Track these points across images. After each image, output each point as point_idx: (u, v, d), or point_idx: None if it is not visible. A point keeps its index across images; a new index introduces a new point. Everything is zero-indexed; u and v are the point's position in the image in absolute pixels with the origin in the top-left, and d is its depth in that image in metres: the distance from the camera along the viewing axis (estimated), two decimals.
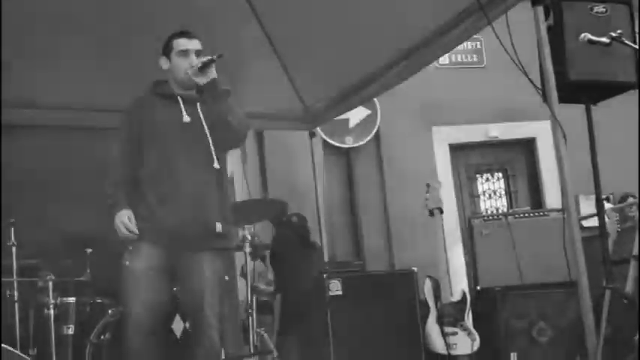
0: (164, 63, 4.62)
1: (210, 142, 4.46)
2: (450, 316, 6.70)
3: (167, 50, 4.60)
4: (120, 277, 4.55)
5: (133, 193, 4.55)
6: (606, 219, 4.89)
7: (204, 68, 4.36)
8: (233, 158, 7.66)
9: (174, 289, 4.75)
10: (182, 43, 4.54)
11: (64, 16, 5.35)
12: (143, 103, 4.65)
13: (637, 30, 4.81)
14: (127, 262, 4.46)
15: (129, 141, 4.61)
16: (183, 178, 4.42)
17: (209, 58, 4.36)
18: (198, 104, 4.53)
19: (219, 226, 4.43)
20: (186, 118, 4.46)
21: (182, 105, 4.50)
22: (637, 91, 4.85)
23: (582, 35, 4.52)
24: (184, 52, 4.52)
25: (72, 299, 5.86)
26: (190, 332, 4.52)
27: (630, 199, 7.56)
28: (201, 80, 4.38)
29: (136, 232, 4.40)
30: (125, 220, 4.40)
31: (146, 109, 4.59)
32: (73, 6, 5.28)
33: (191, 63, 4.45)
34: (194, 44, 4.54)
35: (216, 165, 4.47)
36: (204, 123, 4.48)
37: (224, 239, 4.57)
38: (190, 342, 4.54)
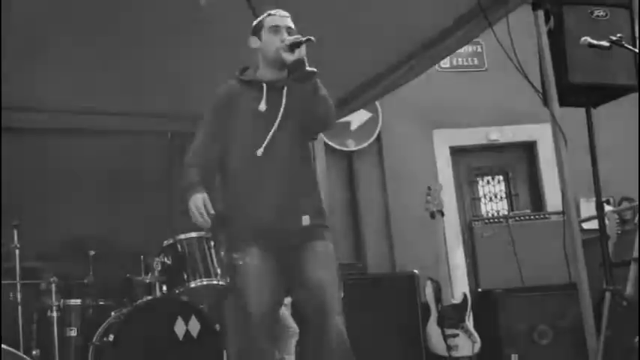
0: (254, 42, 4.39)
1: (290, 130, 4.24)
2: (451, 318, 6.73)
3: (257, 29, 4.39)
4: (233, 276, 4.33)
5: (210, 180, 4.31)
6: (606, 221, 4.91)
7: (293, 47, 4.12)
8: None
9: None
10: (274, 20, 4.33)
11: (67, 20, 5.36)
12: (230, 91, 4.40)
13: (637, 33, 4.84)
14: (240, 262, 4.19)
15: (210, 128, 4.36)
16: (264, 172, 4.18)
17: (302, 38, 4.12)
18: (284, 90, 4.32)
19: (305, 219, 4.20)
20: (262, 107, 4.25)
21: (265, 92, 4.28)
22: (637, 94, 4.87)
23: (582, 39, 4.53)
24: (276, 29, 4.30)
25: (75, 301, 5.89)
26: (313, 324, 4.26)
27: (625, 204, 7.57)
28: (289, 58, 4.14)
29: (208, 219, 4.11)
30: (200, 203, 4.10)
31: (232, 98, 4.36)
32: (76, 9, 5.29)
33: (282, 39, 4.22)
34: (286, 21, 4.34)
35: (302, 152, 4.29)
36: (281, 110, 4.25)
37: (318, 228, 4.28)
38: (313, 330, 4.30)
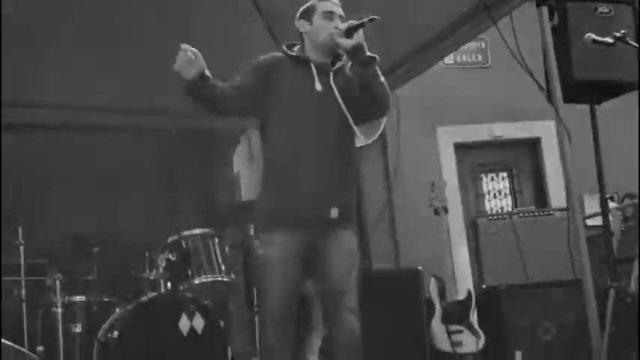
0: (303, 26, 4.27)
1: (344, 115, 4.17)
2: (455, 315, 6.73)
3: (308, 12, 4.27)
4: (254, 266, 4.33)
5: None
6: (610, 218, 4.91)
7: (351, 32, 4.02)
8: (240, 157, 7.68)
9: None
10: (328, 6, 4.22)
11: (67, 19, 5.38)
12: (276, 61, 4.26)
13: None
14: (261, 251, 4.11)
15: (248, 81, 4.17)
16: (311, 156, 4.08)
17: (359, 22, 4.01)
18: (331, 75, 4.22)
19: (334, 212, 4.07)
20: (319, 86, 4.15)
21: (315, 72, 4.18)
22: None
23: (586, 35, 4.53)
24: (330, 14, 4.20)
25: (79, 298, 5.90)
26: (327, 316, 4.22)
27: (627, 201, 7.56)
28: (347, 44, 4.04)
29: (191, 56, 3.95)
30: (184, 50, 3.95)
31: (277, 67, 4.22)
32: (76, 9, 5.29)
33: (337, 26, 4.12)
34: (339, 9, 4.24)
35: (347, 141, 4.22)
36: (337, 94, 4.16)
37: (347, 221, 4.18)
38: (328, 326, 4.23)
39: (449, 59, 9.05)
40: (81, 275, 6.09)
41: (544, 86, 4.70)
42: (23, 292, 5.67)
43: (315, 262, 4.12)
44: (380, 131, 4.34)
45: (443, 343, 6.66)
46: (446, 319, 6.72)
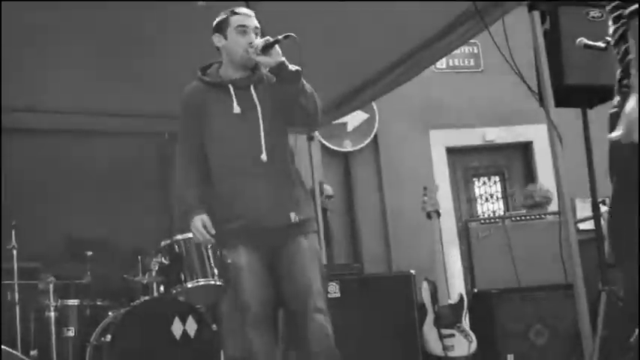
0: (218, 40, 4.26)
1: (262, 130, 4.14)
2: (448, 319, 6.74)
3: (222, 26, 4.23)
4: (225, 275, 4.37)
5: (206, 191, 4.27)
6: (602, 222, 4.92)
7: (267, 49, 4.00)
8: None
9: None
10: (241, 19, 4.17)
11: (67, 20, 5.37)
12: (194, 95, 4.31)
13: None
14: (229, 260, 4.17)
15: (187, 139, 4.31)
16: (247, 174, 4.12)
17: (274, 38, 3.98)
18: (252, 87, 4.22)
19: (293, 216, 4.12)
20: (237, 109, 4.16)
21: (233, 93, 4.18)
22: None
23: (578, 40, 4.55)
24: (243, 29, 4.17)
25: (73, 302, 5.91)
26: (297, 320, 4.23)
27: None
28: (267, 62, 4.03)
29: (211, 239, 4.14)
30: (199, 226, 4.13)
31: (198, 101, 4.27)
32: (76, 9, 5.29)
33: (251, 41, 4.11)
34: (253, 21, 4.20)
35: (264, 157, 4.12)
36: (259, 111, 4.16)
37: (305, 224, 4.21)
38: (297, 329, 4.16)
39: (441, 63, 9.09)
40: (74, 279, 6.09)
41: (536, 90, 4.72)
42: (16, 295, 5.66)
43: (279, 267, 4.15)
44: (319, 117, 4.30)
45: (435, 347, 6.67)
46: (438, 323, 6.74)
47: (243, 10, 4.26)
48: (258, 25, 4.22)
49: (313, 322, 4.08)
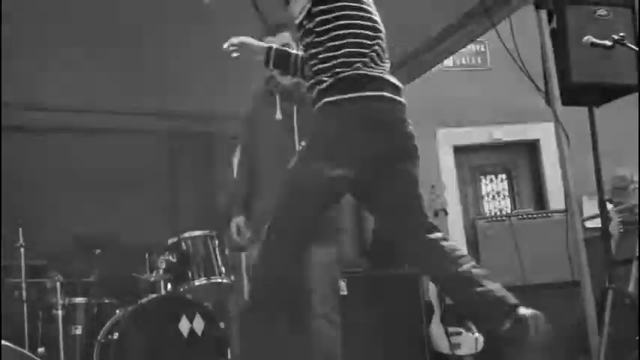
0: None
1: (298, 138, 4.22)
2: (455, 317, 6.75)
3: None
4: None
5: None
6: (615, 219, 4.91)
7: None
8: (234, 160, 7.70)
9: None
10: (267, 41, 4.15)
11: (67, 19, 5.38)
12: (256, 101, 4.53)
13: (639, 32, 4.85)
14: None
15: (244, 149, 4.53)
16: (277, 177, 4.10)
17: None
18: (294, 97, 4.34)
19: None
20: (279, 115, 4.31)
21: (277, 101, 4.33)
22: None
23: (585, 38, 4.54)
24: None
25: (80, 300, 5.91)
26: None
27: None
28: (284, 81, 4.22)
29: (243, 243, 4.29)
30: (234, 229, 4.31)
31: (256, 109, 4.50)
32: (76, 9, 5.29)
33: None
34: (279, 39, 4.24)
35: None
36: (295, 118, 4.27)
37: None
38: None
39: (449, 62, 9.07)
40: (81, 277, 6.10)
41: (543, 89, 4.71)
42: (24, 293, 5.67)
43: None
44: None
45: (442, 345, 6.68)
46: (445, 321, 6.74)
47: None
48: (286, 42, 4.25)
49: (314, 328, 4.24)
